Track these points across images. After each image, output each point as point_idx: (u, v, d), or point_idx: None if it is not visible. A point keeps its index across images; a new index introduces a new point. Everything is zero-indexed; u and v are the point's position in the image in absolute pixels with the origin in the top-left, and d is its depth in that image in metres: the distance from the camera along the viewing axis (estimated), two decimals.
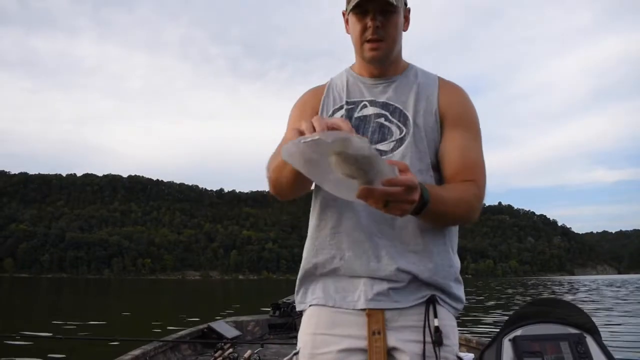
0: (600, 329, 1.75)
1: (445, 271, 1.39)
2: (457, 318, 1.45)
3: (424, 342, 1.30)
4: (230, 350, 5.16)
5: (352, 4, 1.38)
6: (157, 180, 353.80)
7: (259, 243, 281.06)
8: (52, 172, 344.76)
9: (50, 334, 9.25)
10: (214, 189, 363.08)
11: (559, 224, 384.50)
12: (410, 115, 1.41)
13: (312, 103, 1.53)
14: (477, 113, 1.48)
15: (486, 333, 10.29)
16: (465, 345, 4.81)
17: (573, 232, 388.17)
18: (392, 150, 1.39)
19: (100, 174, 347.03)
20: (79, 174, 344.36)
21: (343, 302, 1.36)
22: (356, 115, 1.45)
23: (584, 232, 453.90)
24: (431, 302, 1.34)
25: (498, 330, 1.84)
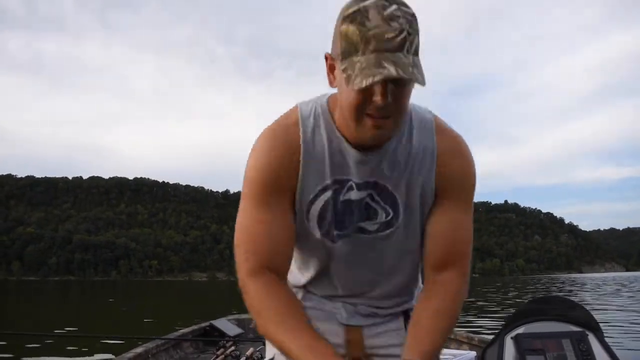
0: (602, 327, 1.73)
1: (413, 292, 1.41)
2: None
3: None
4: (233, 348, 5.14)
5: (366, 75, 0.98)
6: (163, 182, 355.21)
7: None
8: (59, 175, 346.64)
9: (53, 332, 9.29)
10: (220, 190, 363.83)
11: (566, 221, 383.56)
12: (400, 198, 1.22)
13: (287, 171, 1.19)
14: (474, 172, 1.28)
15: (488, 331, 10.25)
16: (467, 343, 4.78)
17: (580, 230, 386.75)
18: (377, 231, 1.24)
19: (106, 177, 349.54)
20: (85, 177, 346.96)
21: (321, 313, 1.34)
22: (342, 198, 1.21)
23: (591, 229, 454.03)
24: (407, 316, 1.36)
25: (500, 328, 1.82)
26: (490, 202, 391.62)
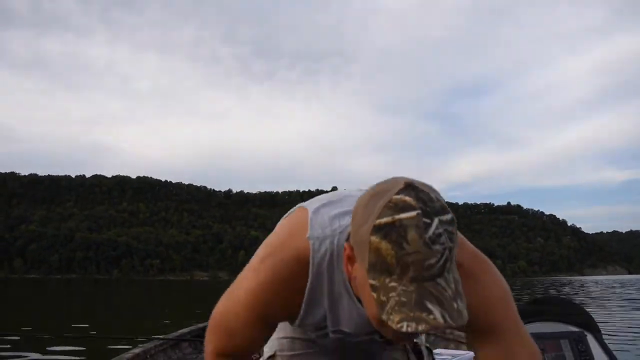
0: (601, 327, 1.73)
1: None
2: None
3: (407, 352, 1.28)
4: None
5: (407, 317, 0.83)
6: (166, 181, 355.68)
7: None
8: (62, 173, 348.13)
9: (52, 333, 9.29)
10: (222, 190, 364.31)
11: (569, 223, 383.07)
12: None
13: (286, 309, 1.17)
14: (507, 292, 1.17)
15: None
16: (465, 343, 4.76)
17: (583, 232, 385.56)
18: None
19: (109, 175, 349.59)
20: (87, 175, 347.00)
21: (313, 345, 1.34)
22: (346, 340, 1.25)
23: (594, 232, 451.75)
24: None
25: None
26: (493, 204, 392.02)
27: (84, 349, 8.17)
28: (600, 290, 38.95)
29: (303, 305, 1.14)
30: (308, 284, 1.11)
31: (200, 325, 6.27)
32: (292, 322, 1.21)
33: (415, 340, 1.30)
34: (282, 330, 1.36)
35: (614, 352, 1.67)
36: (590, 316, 1.79)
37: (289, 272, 1.11)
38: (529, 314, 1.90)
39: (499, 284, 1.16)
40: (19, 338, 8.94)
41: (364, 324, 1.10)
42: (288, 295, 1.12)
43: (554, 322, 1.82)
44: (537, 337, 1.75)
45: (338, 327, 1.17)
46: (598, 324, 1.81)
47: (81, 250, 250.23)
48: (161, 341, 5.08)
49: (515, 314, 1.16)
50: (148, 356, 4.65)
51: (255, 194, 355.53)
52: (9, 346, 8.31)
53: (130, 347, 5.67)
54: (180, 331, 5.94)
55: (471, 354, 3.15)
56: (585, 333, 1.75)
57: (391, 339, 1.03)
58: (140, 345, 4.77)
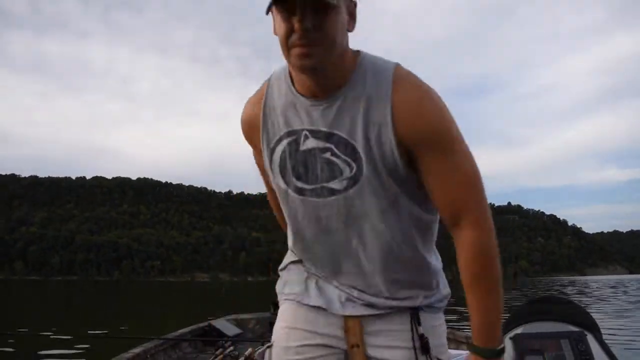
0: (601, 327, 1.74)
1: (426, 285, 1.30)
2: (448, 312, 1.35)
3: (415, 348, 1.23)
4: (231, 348, 5.16)
5: None
6: (166, 182, 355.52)
7: (268, 245, 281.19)
8: (62, 175, 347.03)
9: (51, 333, 9.32)
10: (223, 191, 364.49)
11: (569, 223, 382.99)
12: (360, 147, 1.16)
13: (254, 128, 1.30)
14: (448, 116, 1.16)
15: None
16: (465, 343, 4.76)
17: (583, 232, 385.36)
18: (346, 189, 1.19)
19: (109, 177, 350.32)
20: (88, 177, 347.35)
21: (319, 302, 1.31)
22: (301, 148, 1.22)
23: (594, 231, 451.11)
24: (414, 313, 1.27)
25: None
26: (494, 204, 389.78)
27: (83, 349, 8.20)
28: (601, 289, 38.92)
29: (261, 116, 1.27)
30: (265, 93, 1.27)
31: (200, 325, 6.30)
32: (264, 145, 1.28)
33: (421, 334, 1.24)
34: (283, 319, 1.36)
35: (614, 352, 1.68)
36: (590, 316, 1.79)
37: (258, 90, 1.31)
38: (529, 314, 1.89)
39: (437, 116, 1.16)
40: (17, 338, 8.96)
41: (314, 111, 1.18)
42: (254, 110, 1.29)
43: (554, 322, 1.82)
44: (538, 336, 1.78)
45: (296, 127, 1.21)
46: (598, 323, 1.82)
47: (82, 252, 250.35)
48: (161, 341, 5.11)
49: (452, 144, 1.16)
50: (148, 356, 4.67)
51: (256, 195, 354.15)
52: (9, 348, 8.32)
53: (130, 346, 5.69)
54: (180, 331, 5.97)
55: None
56: (586, 333, 1.75)
57: (296, 64, 1.11)
58: (141, 345, 4.80)
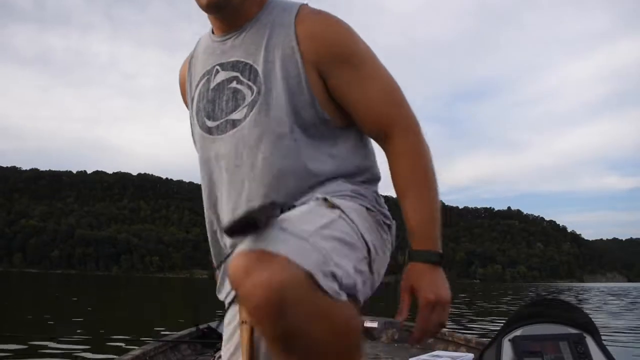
0: (600, 330, 1.73)
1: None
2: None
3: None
4: None
5: None
6: (167, 178, 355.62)
7: None
8: (63, 169, 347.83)
9: (49, 333, 9.26)
10: None
11: (569, 230, 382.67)
12: (260, 69, 1.15)
13: (183, 86, 1.38)
14: (355, 35, 1.18)
15: (486, 333, 10.17)
16: (464, 345, 4.72)
17: (583, 239, 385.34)
18: (245, 117, 1.16)
19: (110, 172, 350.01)
20: (89, 171, 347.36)
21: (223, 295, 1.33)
22: (212, 86, 1.22)
23: (594, 238, 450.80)
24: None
25: (498, 330, 1.80)
26: (494, 208, 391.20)
27: (83, 349, 8.15)
28: (600, 297, 38.88)
29: (189, 65, 1.35)
30: (195, 44, 1.36)
31: (200, 326, 6.25)
32: (188, 98, 1.34)
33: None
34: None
35: (613, 355, 1.67)
36: (590, 318, 1.80)
37: (191, 52, 1.39)
38: (528, 316, 1.89)
39: (339, 33, 1.17)
40: (15, 339, 8.91)
41: (222, 45, 1.23)
42: (184, 69, 1.39)
43: (553, 324, 1.82)
44: (537, 338, 1.77)
45: (209, 66, 1.25)
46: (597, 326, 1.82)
47: (81, 247, 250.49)
48: (160, 343, 5.06)
49: (358, 59, 1.16)
50: (147, 358, 4.62)
51: None
52: (5, 346, 8.28)
53: (129, 348, 5.64)
54: (179, 333, 5.92)
55: (471, 355, 3.16)
56: (585, 335, 1.74)
57: (202, 2, 1.16)
58: (139, 347, 4.75)
